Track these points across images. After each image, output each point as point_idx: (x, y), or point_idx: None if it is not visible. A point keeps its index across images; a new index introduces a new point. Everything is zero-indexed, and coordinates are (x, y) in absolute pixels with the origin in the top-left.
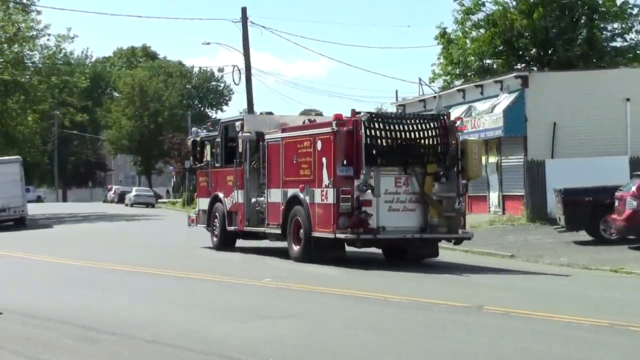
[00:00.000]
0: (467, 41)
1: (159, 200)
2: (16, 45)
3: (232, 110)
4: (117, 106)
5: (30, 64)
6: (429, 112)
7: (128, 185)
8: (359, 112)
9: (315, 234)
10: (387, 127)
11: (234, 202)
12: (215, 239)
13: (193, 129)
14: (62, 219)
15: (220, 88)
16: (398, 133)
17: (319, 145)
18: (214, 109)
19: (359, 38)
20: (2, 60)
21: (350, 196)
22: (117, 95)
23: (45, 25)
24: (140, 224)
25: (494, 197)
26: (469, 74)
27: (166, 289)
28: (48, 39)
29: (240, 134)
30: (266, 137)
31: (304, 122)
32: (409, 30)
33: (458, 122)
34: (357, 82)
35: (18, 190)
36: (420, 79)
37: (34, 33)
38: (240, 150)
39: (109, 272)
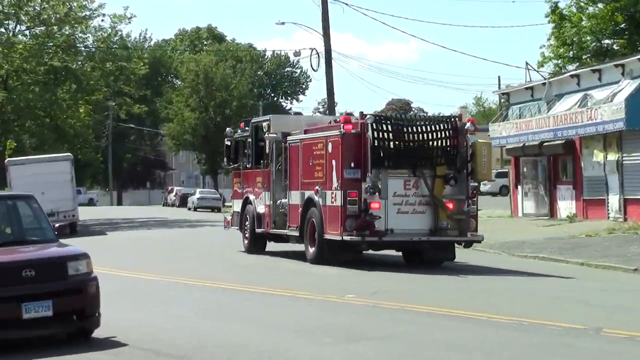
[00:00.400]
0: (583, 18)
1: (227, 204)
2: (67, 27)
3: (310, 100)
4: (179, 96)
5: (83, 49)
6: (440, 114)
7: (191, 187)
8: (367, 115)
9: (327, 236)
10: (395, 129)
11: (262, 203)
12: (246, 241)
13: (227, 129)
14: (117, 225)
15: (296, 75)
16: (407, 135)
17: (329, 147)
18: (289, 98)
19: (454, 16)
20: (51, 44)
21: (356, 198)
22: (179, 83)
23: (99, 4)
24: (206, 230)
25: (613, 201)
26: (584, 57)
27: (245, 306)
28: (102, 20)
29: (266, 135)
30: (288, 138)
31: (329, 122)
32: (514, 6)
33: (468, 124)
34: (453, 67)
35: (68, 192)
36: (527, 63)
37: (87, 13)
38: (267, 151)
39: (180, 287)
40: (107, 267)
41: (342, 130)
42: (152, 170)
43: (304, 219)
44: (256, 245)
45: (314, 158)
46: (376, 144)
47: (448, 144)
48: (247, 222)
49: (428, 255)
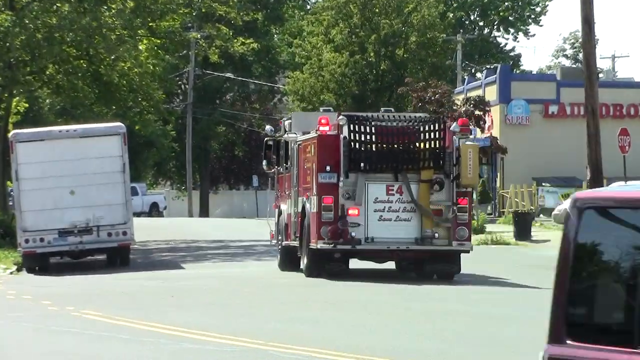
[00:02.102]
0: None
1: None
2: None
3: (549, 34)
4: (314, 24)
5: None
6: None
7: None
8: (343, 116)
9: (311, 246)
10: (373, 131)
11: (286, 212)
12: (278, 256)
13: (267, 126)
14: (200, 252)
15: None
16: (388, 137)
17: (312, 150)
18: (512, 30)
19: None
20: None
21: (332, 204)
22: (313, 0)
23: None
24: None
25: None
26: None
27: None
28: None
29: (285, 135)
30: (298, 139)
31: (367, 115)
32: None
33: (454, 125)
34: None
35: (117, 191)
36: None
37: None
38: (288, 153)
39: None
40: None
41: (317, 132)
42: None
43: (302, 227)
44: (286, 261)
45: (307, 161)
46: (352, 146)
47: (436, 145)
48: (280, 235)
49: (430, 268)
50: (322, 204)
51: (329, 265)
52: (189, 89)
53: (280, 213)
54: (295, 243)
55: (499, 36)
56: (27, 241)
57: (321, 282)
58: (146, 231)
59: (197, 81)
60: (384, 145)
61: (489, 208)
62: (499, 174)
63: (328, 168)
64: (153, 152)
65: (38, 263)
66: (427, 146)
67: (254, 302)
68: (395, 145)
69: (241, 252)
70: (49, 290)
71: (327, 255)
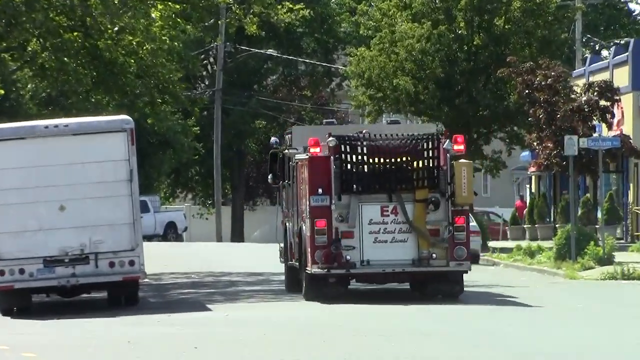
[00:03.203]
0: None
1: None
2: None
3: None
4: None
5: None
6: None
7: None
8: (333, 137)
9: (306, 270)
10: (365, 151)
11: (290, 230)
12: (285, 278)
13: (272, 138)
14: (235, 290)
15: None
16: (380, 157)
17: (304, 171)
18: None
19: None
20: None
21: (324, 228)
22: None
23: None
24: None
25: None
26: None
27: None
28: None
29: (286, 150)
30: (295, 156)
31: (358, 134)
32: None
33: (447, 143)
34: None
35: (121, 207)
36: None
37: None
38: (288, 170)
39: None
40: None
41: (308, 153)
42: None
43: (300, 250)
44: (292, 281)
45: (301, 182)
46: (344, 168)
47: (430, 164)
48: (286, 254)
49: (432, 289)
50: (315, 228)
51: (326, 290)
52: (217, 71)
53: (286, 231)
54: (297, 264)
55: (631, 1)
56: (2, 273)
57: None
58: (160, 260)
59: (229, 60)
60: (377, 166)
61: (619, 231)
62: (632, 186)
63: (320, 190)
64: (170, 155)
65: (17, 302)
66: (421, 165)
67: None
68: (388, 165)
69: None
70: (30, 339)
71: (323, 280)
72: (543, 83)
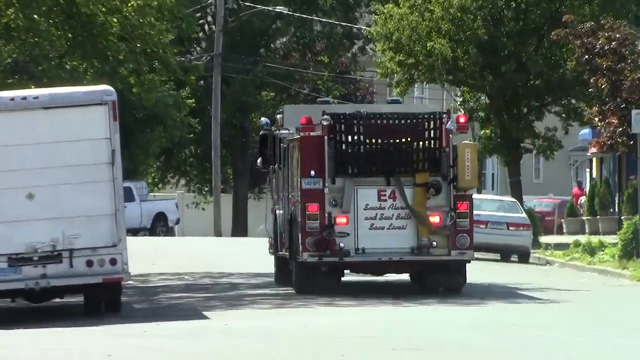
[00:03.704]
0: None
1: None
2: None
3: None
4: None
5: None
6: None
7: None
8: (327, 115)
9: (297, 258)
10: (361, 130)
11: (281, 218)
12: (274, 269)
13: (263, 118)
14: (237, 293)
15: None
16: (378, 137)
17: (296, 152)
18: None
19: None
20: None
21: (317, 212)
22: None
23: None
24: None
25: None
26: None
27: None
28: None
29: (277, 132)
30: (284, 137)
31: (355, 113)
32: None
33: (449, 123)
34: None
35: (100, 195)
36: None
37: None
38: (280, 152)
39: None
40: None
41: (300, 132)
42: None
43: (291, 237)
44: (281, 273)
45: (293, 164)
46: (338, 148)
47: (431, 145)
48: (276, 243)
49: (432, 282)
50: (307, 212)
51: (318, 280)
52: (216, 32)
53: (275, 219)
54: (287, 254)
55: None
56: None
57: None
58: (148, 258)
59: (230, 19)
60: (374, 147)
61: None
62: None
63: (312, 173)
64: (159, 133)
65: None
66: (422, 146)
67: None
68: (387, 146)
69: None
70: None
71: (315, 269)
72: (606, 47)
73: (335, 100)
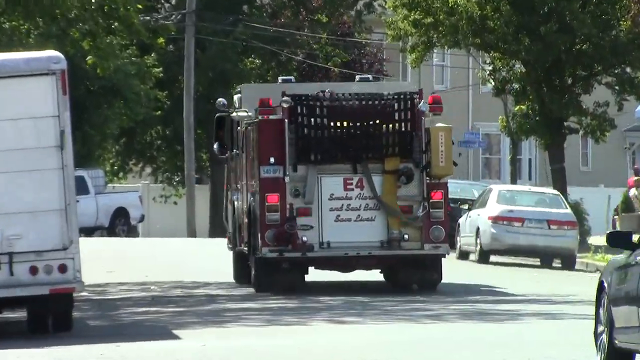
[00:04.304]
0: None
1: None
2: None
3: None
4: None
5: None
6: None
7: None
8: (287, 96)
9: (256, 254)
10: (325, 113)
11: (239, 210)
12: (233, 266)
13: (219, 99)
14: (216, 307)
15: None
16: (343, 120)
17: (254, 137)
18: None
19: None
20: None
21: (277, 204)
22: None
23: None
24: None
25: None
26: None
27: None
28: None
29: (234, 113)
30: (245, 119)
31: (318, 94)
32: None
33: (421, 104)
34: None
35: (47, 186)
36: None
37: None
38: (234, 135)
39: None
40: None
41: (258, 116)
42: None
43: (250, 231)
44: (240, 270)
45: (251, 150)
46: (299, 133)
47: (402, 128)
48: (234, 238)
49: (405, 277)
50: (266, 204)
51: (279, 277)
52: None
53: (234, 211)
54: (246, 249)
55: None
56: None
57: None
58: (105, 264)
59: None
60: (339, 130)
61: None
62: None
63: (272, 160)
64: (119, 109)
65: None
66: (392, 129)
67: None
68: (353, 130)
69: (294, 307)
70: None
71: (276, 265)
72: None
73: (293, 78)
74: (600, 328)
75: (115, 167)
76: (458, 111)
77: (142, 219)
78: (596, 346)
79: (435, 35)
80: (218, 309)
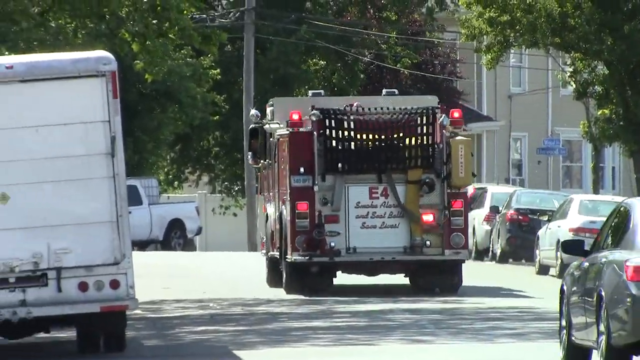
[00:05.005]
0: None
1: None
2: None
3: None
4: None
5: None
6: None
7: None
8: (316, 110)
9: (287, 258)
10: (352, 126)
11: (272, 217)
12: (266, 270)
13: (252, 111)
14: (281, 326)
15: None
16: (369, 133)
17: (286, 148)
18: None
19: None
20: None
21: (306, 211)
22: None
23: None
24: None
25: None
26: None
27: None
28: None
29: (266, 125)
30: (277, 131)
31: (345, 108)
32: None
33: (443, 118)
34: None
35: (97, 196)
36: None
37: None
38: (266, 145)
39: None
40: None
41: (289, 128)
42: None
43: (281, 237)
44: (273, 274)
45: (283, 160)
46: (328, 145)
47: (424, 141)
48: (267, 244)
49: (425, 282)
50: (296, 211)
51: (308, 281)
52: None
53: (267, 218)
54: (278, 254)
55: None
56: None
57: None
58: (161, 280)
59: None
60: (365, 143)
61: None
62: None
63: (302, 170)
64: (174, 114)
65: None
66: (415, 142)
67: None
68: (378, 142)
69: (377, 325)
70: None
71: (306, 269)
72: None
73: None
74: (562, 326)
75: (170, 176)
76: (536, 116)
77: (199, 231)
78: (560, 343)
79: (512, 34)
80: (282, 327)
